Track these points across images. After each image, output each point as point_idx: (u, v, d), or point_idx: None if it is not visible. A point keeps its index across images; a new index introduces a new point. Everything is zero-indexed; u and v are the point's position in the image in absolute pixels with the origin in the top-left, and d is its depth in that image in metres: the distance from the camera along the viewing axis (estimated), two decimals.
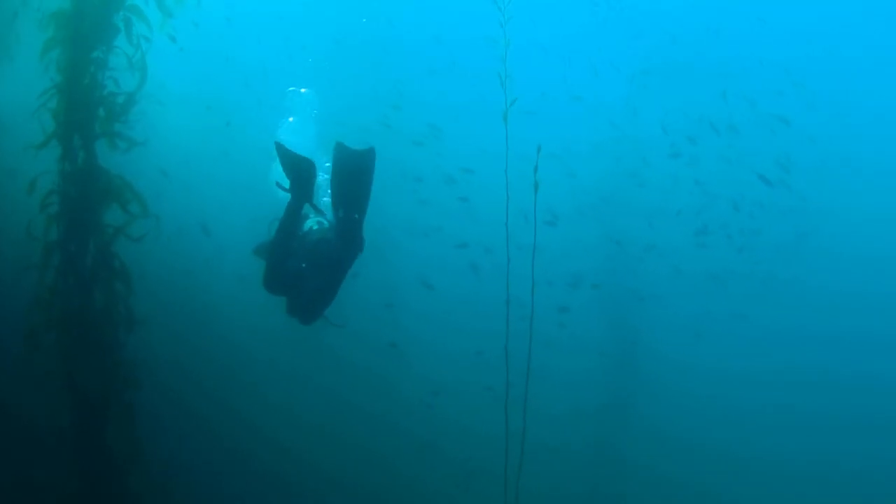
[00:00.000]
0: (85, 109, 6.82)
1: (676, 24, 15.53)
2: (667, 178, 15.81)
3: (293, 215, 7.97)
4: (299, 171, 7.79)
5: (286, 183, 7.87)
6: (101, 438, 7.58)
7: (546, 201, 7.20)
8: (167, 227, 8.07)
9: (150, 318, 7.91)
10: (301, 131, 10.84)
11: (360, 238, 7.83)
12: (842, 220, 15.87)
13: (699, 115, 15.54)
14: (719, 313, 15.94)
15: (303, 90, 11.32)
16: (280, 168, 7.98)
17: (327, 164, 8.08)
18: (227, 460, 12.48)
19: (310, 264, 7.98)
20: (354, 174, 7.74)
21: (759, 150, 15.73)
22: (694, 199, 15.85)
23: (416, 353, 14.90)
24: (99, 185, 6.93)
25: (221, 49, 13.71)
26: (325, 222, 8.37)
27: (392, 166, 15.02)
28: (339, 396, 14.12)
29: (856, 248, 15.73)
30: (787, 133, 15.67)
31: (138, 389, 7.77)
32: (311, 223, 8.37)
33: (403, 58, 15.69)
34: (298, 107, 11.23)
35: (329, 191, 8.06)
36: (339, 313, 8.34)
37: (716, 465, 14.78)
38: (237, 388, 13.12)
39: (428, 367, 14.91)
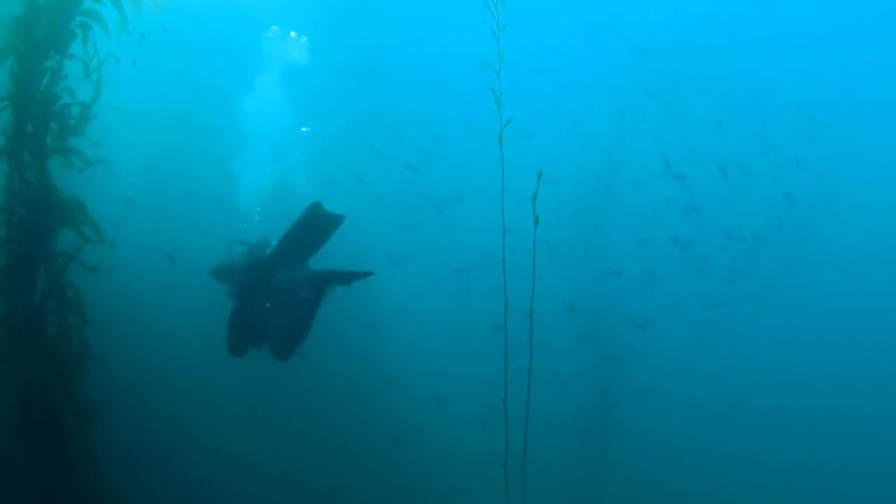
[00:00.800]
0: (36, 123, 6.17)
1: (672, 45, 15.25)
2: (662, 204, 15.43)
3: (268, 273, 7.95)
4: (325, 229, 7.90)
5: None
6: (60, 483, 6.95)
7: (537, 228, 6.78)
8: (130, 253, 7.50)
9: (113, 351, 7.34)
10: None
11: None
12: (840, 247, 15.62)
13: (695, 142, 15.22)
14: (715, 338, 15.61)
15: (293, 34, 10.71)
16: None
17: None
18: (200, 495, 11.87)
19: (275, 304, 7.93)
20: (315, 233, 7.91)
21: (759, 178, 15.43)
22: (689, 226, 15.48)
23: (402, 384, 14.42)
24: (51, 206, 6.26)
25: (195, 64, 13.14)
26: None
27: (384, 191, 14.72)
28: (316, 424, 13.60)
29: (854, 274, 15.47)
30: (790, 162, 15.40)
31: (101, 429, 7.18)
32: None
33: (391, 80, 15.28)
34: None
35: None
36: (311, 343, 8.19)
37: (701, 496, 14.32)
38: (207, 421, 12.54)
39: (412, 400, 14.41)
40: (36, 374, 6.63)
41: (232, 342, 8.09)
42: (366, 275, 7.90)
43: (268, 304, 8.00)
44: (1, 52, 6.46)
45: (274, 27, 10.88)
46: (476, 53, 7.67)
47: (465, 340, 14.45)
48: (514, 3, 6.73)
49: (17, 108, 6.36)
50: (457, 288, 15.03)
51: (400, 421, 14.08)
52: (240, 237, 8.75)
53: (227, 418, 12.74)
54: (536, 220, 6.29)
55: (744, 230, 15.51)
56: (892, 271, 15.60)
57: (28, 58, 6.39)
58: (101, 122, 6.82)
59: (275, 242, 8.33)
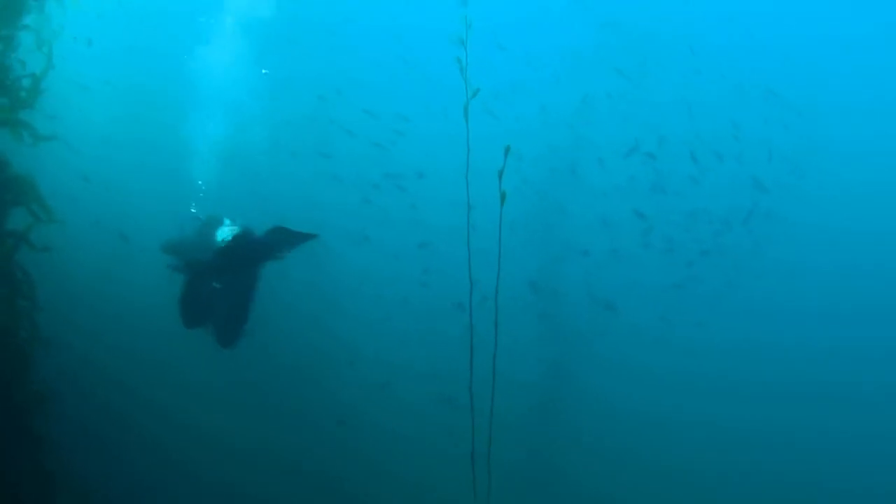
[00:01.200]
0: None
1: (640, 21, 15.09)
2: (626, 184, 15.37)
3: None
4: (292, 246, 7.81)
5: None
6: (11, 471, 6.64)
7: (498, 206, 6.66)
8: (84, 231, 7.18)
9: (65, 336, 7.05)
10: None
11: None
12: (805, 229, 15.72)
13: (662, 122, 15.12)
14: (679, 320, 15.63)
15: None
16: None
17: None
18: (156, 469, 11.59)
19: (224, 285, 7.89)
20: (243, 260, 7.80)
21: (727, 160, 15.40)
22: (654, 206, 15.43)
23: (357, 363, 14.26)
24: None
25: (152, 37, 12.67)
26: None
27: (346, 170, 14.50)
28: (273, 405, 13.40)
29: (818, 258, 15.59)
30: (758, 144, 15.41)
31: (53, 415, 6.90)
32: (225, 235, 7.96)
33: (351, 53, 14.98)
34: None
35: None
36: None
37: (659, 477, 14.39)
38: (164, 398, 12.25)
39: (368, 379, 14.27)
40: None
41: (185, 316, 8.05)
42: (310, 237, 7.84)
43: (216, 285, 7.97)
44: None
45: None
46: (440, 27, 7.49)
47: (425, 318, 14.38)
48: None
49: None
50: (417, 265, 14.89)
51: (354, 399, 13.98)
52: (192, 210, 8.56)
53: (184, 394, 12.52)
54: (503, 197, 6.10)
55: (711, 212, 15.52)
56: (860, 252, 15.74)
57: None
58: (56, 95, 6.47)
59: (227, 220, 8.18)
